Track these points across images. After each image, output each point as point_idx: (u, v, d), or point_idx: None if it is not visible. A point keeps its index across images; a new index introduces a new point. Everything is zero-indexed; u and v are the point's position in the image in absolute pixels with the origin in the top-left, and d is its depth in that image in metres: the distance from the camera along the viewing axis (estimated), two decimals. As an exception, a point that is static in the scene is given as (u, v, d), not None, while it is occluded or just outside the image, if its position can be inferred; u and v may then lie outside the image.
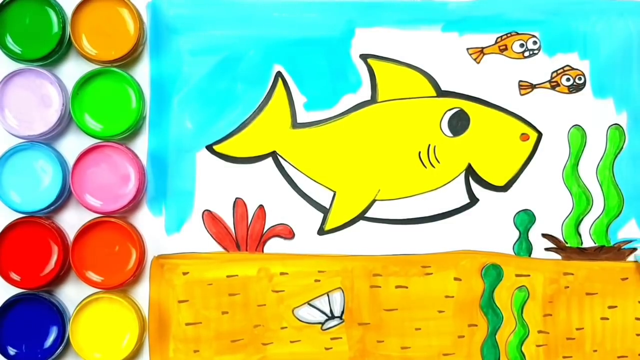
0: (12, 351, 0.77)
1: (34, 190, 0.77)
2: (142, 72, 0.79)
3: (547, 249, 0.81)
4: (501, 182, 0.80)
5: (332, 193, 0.80)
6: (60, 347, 0.77)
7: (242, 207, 0.80)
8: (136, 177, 0.77)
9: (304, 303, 0.80)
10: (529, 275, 0.80)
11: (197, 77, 0.79)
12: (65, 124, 0.78)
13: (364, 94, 0.80)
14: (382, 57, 0.80)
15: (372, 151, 0.80)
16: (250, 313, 0.80)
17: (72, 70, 0.79)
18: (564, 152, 0.80)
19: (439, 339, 0.80)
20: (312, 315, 0.80)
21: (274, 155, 0.80)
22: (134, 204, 0.78)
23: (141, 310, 0.79)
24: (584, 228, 0.81)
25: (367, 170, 0.80)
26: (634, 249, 0.81)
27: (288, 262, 0.80)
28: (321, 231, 0.80)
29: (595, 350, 0.81)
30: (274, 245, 0.80)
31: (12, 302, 0.77)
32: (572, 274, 0.80)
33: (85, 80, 0.77)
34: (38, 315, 0.77)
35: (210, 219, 0.80)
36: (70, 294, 0.79)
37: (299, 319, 0.80)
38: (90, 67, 0.78)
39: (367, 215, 0.80)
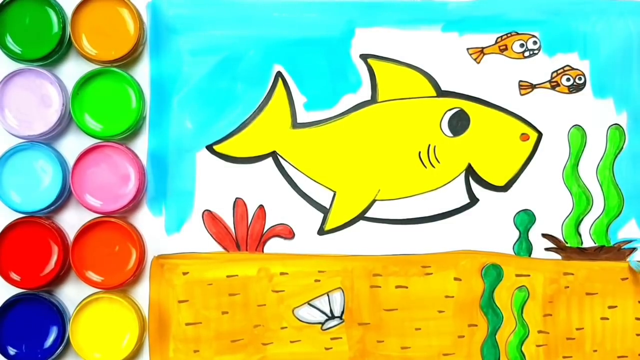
0: (12, 351, 0.77)
1: (34, 190, 0.77)
2: (142, 72, 0.79)
3: (547, 249, 0.80)
4: (501, 182, 0.80)
5: (332, 193, 0.80)
6: (60, 347, 0.77)
7: (242, 207, 0.80)
8: (136, 177, 0.77)
9: (304, 303, 0.80)
10: (529, 275, 0.80)
11: (197, 77, 0.79)
12: (65, 124, 0.78)
13: (364, 94, 0.80)
14: (382, 57, 0.80)
15: (372, 151, 0.80)
16: (250, 313, 0.80)
17: (72, 70, 0.79)
18: (564, 152, 0.80)
19: (439, 339, 0.80)
20: (312, 315, 0.80)
21: (274, 155, 0.80)
22: (134, 204, 0.78)
23: (141, 310, 0.79)
24: (584, 228, 0.80)
25: (367, 170, 0.80)
26: (634, 249, 0.81)
27: (288, 262, 0.80)
28: (321, 231, 0.80)
29: (595, 350, 0.81)
30: (274, 245, 0.80)
31: (12, 302, 0.77)
32: (572, 274, 0.80)
33: (85, 80, 0.77)
34: (38, 315, 0.77)
35: (210, 219, 0.80)
36: (70, 294, 0.79)
37: (299, 319, 0.80)
38: (90, 67, 0.78)
39: (367, 215, 0.80)
